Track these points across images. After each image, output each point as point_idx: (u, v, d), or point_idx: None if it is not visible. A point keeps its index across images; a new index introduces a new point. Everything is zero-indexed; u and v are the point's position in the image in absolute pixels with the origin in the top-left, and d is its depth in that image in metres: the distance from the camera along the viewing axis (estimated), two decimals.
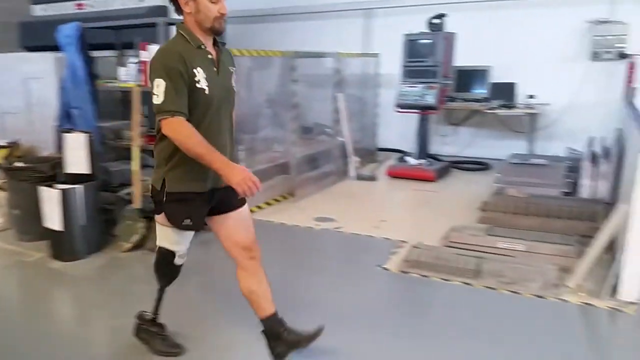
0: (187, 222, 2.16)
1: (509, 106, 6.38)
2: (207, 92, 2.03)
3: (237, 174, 1.93)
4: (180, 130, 1.97)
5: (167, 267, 2.39)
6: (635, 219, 2.92)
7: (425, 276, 3.36)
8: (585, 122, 6.30)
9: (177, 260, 2.35)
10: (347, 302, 3.07)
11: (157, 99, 1.97)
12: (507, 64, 6.62)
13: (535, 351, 2.57)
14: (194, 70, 2.00)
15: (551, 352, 2.56)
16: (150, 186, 2.23)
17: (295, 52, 5.35)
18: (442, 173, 6.29)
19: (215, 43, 2.15)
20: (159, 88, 1.96)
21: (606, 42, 6.26)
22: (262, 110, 5.80)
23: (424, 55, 6.14)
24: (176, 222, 2.18)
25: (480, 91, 6.84)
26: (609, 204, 4.12)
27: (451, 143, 7.38)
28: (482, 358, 2.45)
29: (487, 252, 3.62)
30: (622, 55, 6.17)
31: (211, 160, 1.95)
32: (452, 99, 6.79)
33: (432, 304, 3.07)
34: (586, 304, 3.00)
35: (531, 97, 6.57)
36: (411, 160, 6.40)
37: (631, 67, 5.92)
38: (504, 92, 6.66)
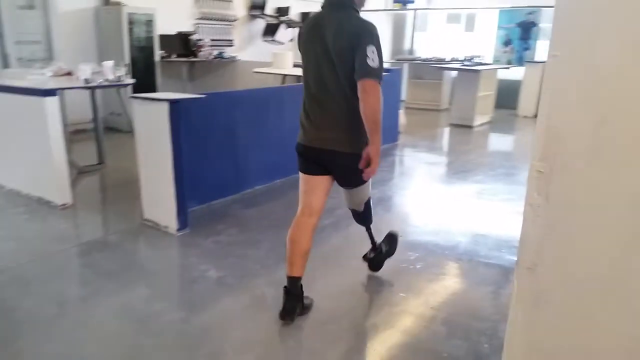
0: None
1: None
2: None
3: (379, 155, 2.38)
4: (379, 96, 2.29)
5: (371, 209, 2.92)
6: None
7: None
8: None
9: None
10: None
11: (373, 62, 2.24)
12: None
13: None
14: None
15: None
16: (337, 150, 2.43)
17: None
18: None
19: None
20: (374, 54, 2.25)
21: None
22: None
23: None
24: None
25: None
26: None
27: None
28: None
29: None
30: None
31: (379, 132, 2.34)
32: None
33: None
34: None
35: None
36: None
37: None
38: None
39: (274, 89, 5.96)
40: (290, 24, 10.66)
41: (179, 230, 3.76)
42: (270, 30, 10.20)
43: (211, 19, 8.96)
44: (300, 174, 2.64)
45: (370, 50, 2.24)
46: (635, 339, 1.38)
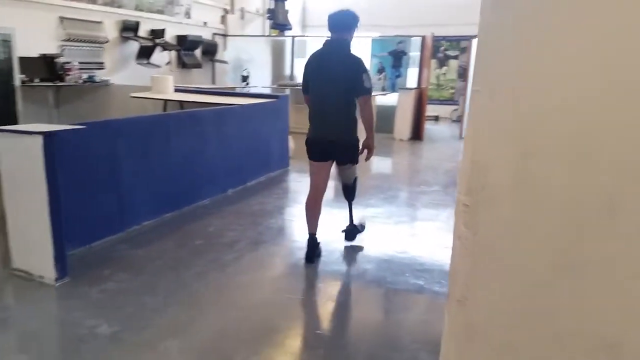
0: None
1: None
2: None
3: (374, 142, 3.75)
4: (372, 105, 3.63)
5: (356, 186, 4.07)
6: None
7: None
8: None
9: None
10: None
11: (366, 84, 3.43)
12: None
13: None
14: None
15: None
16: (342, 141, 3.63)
17: None
18: None
19: None
20: (367, 78, 3.45)
21: None
22: None
23: None
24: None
25: None
26: None
27: None
28: None
29: None
30: None
31: (373, 128, 3.66)
32: None
33: None
34: None
35: None
36: None
37: None
38: None
39: (159, 116, 5.61)
40: (165, 47, 10.22)
41: (57, 279, 3.29)
42: (145, 53, 9.67)
43: (79, 41, 8.25)
44: (310, 162, 3.74)
45: (365, 76, 3.46)
46: None
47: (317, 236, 3.82)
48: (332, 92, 3.53)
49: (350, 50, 3.56)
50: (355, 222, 4.22)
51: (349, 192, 4.08)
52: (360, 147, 3.70)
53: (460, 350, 1.56)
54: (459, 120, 12.10)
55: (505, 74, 1.31)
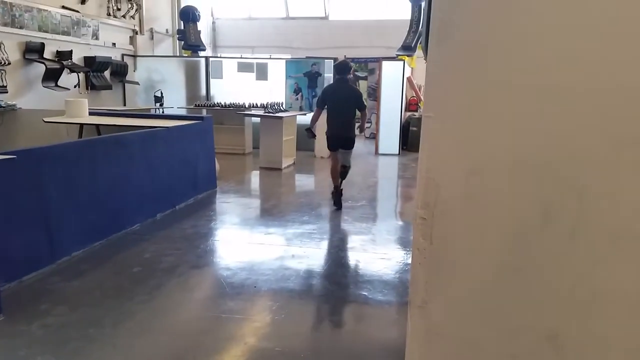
0: None
1: None
2: None
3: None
4: (367, 112, 7.06)
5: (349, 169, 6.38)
6: None
7: None
8: None
9: None
10: None
11: (364, 104, 6.43)
12: None
13: None
14: None
15: None
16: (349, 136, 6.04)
17: None
18: None
19: None
20: (363, 100, 6.37)
21: None
22: None
23: None
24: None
25: None
26: None
27: None
28: None
29: None
30: None
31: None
32: None
33: None
34: None
35: None
36: None
37: None
38: None
39: (87, 141, 5.34)
40: (73, 69, 9.75)
41: None
42: (51, 76, 9.15)
43: None
44: (330, 150, 6.17)
45: (362, 99, 6.12)
46: (511, 355, 1.60)
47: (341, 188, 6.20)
48: (343, 108, 5.92)
49: (350, 84, 6.35)
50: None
51: (344, 171, 6.16)
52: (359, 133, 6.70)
53: (423, 351, 1.71)
54: (372, 137, 12.63)
55: (451, 102, 1.50)
